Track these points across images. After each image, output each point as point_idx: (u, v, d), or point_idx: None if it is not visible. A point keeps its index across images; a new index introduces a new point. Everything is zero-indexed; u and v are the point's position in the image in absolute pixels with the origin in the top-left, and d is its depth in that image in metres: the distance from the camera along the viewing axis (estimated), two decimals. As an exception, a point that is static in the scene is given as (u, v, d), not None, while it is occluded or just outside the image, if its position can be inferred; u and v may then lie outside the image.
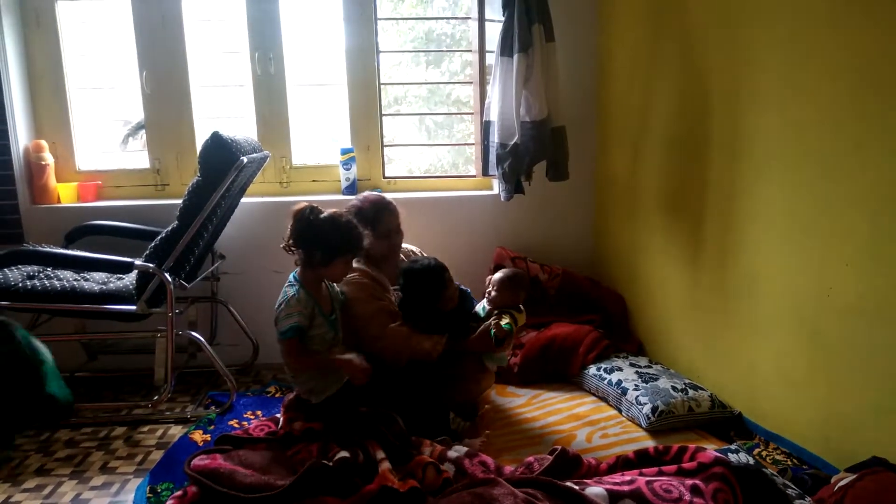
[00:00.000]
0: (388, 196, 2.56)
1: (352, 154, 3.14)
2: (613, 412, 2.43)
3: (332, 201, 2.70)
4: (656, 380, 2.42)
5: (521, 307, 2.46)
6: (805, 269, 1.96)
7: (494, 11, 2.84)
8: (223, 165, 2.37)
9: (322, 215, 2.09)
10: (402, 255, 2.62)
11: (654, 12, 2.70)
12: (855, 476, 1.64)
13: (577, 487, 1.69)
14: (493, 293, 2.43)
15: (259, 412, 2.52)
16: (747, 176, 2.17)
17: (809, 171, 1.92)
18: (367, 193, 2.59)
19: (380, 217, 2.45)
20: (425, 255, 2.60)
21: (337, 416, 2.11)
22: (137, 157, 3.24)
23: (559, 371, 2.72)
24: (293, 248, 2.09)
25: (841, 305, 1.84)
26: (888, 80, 1.66)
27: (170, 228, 2.42)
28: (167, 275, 2.39)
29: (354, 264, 2.42)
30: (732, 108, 2.23)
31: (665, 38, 2.63)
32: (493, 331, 2.29)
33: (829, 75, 1.83)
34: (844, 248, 1.82)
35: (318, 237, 2.06)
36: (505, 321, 2.32)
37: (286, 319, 2.05)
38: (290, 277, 2.15)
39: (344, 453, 1.90)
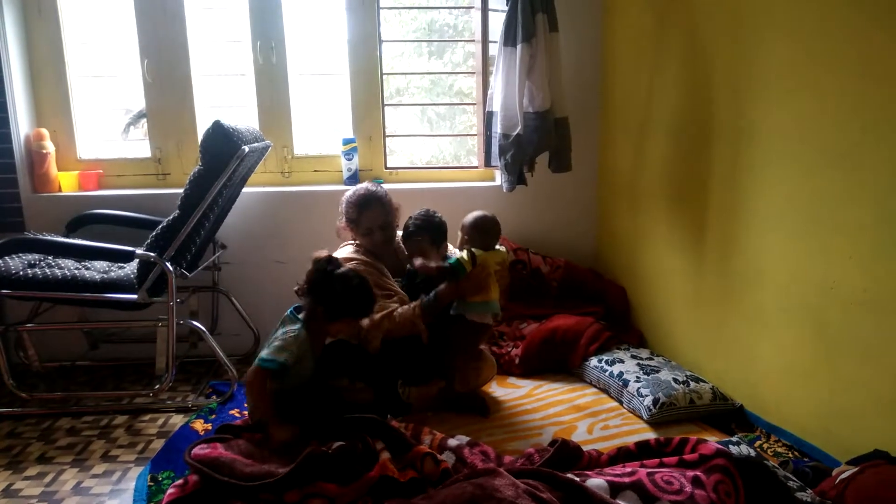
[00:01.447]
0: (390, 187, 2.55)
1: (354, 144, 3.13)
2: (615, 404, 2.43)
3: (333, 191, 2.69)
4: (658, 372, 2.42)
5: (501, 248, 2.40)
6: (809, 262, 1.95)
7: (497, 1, 2.82)
8: (224, 155, 2.36)
9: (337, 272, 2.06)
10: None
11: (658, 3, 2.68)
12: (856, 469, 1.64)
13: (578, 479, 1.69)
14: (463, 238, 2.38)
15: (260, 402, 2.52)
16: (751, 168, 2.16)
17: (814, 163, 1.91)
18: (359, 186, 2.59)
19: (361, 216, 2.48)
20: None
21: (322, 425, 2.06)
22: (138, 145, 3.23)
23: (561, 362, 2.71)
24: (304, 295, 2.07)
25: (844, 298, 1.83)
26: (894, 73, 1.64)
27: (171, 218, 2.41)
28: (168, 264, 2.39)
29: (351, 254, 2.46)
30: (737, 100, 2.21)
31: (669, 28, 2.61)
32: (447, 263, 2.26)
33: (835, 67, 1.82)
34: (848, 240, 1.81)
35: (327, 294, 2.04)
36: (452, 258, 2.28)
37: (276, 352, 1.99)
38: (293, 318, 2.09)
39: (342, 443, 1.90)
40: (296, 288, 2.09)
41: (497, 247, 2.40)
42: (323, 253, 2.10)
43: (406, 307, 2.33)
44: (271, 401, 2.02)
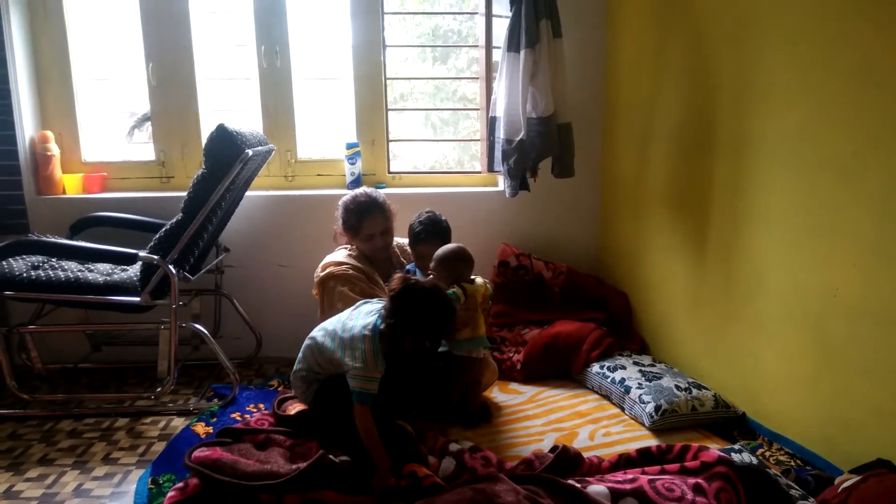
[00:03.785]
0: (393, 191, 2.56)
1: (357, 149, 3.13)
2: (616, 410, 2.42)
3: (336, 196, 2.69)
4: (660, 378, 2.41)
5: (479, 279, 2.38)
6: (811, 270, 1.95)
7: (502, 7, 2.83)
8: (228, 158, 2.36)
9: (425, 301, 1.95)
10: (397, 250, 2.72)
11: (662, 10, 2.69)
12: (859, 478, 1.63)
13: (578, 485, 1.69)
14: (441, 274, 2.33)
15: (262, 405, 2.52)
16: (754, 175, 2.16)
17: (816, 170, 1.91)
18: (357, 191, 2.62)
19: (362, 222, 2.53)
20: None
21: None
22: (143, 148, 3.24)
23: (562, 368, 2.71)
24: (389, 320, 1.93)
25: (846, 306, 1.83)
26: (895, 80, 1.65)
27: (174, 220, 2.42)
28: (171, 267, 2.39)
29: (345, 258, 2.48)
30: (739, 107, 2.21)
31: (673, 36, 2.61)
32: None
33: (837, 75, 1.82)
34: (850, 248, 1.81)
35: (415, 324, 1.92)
36: (454, 289, 2.26)
37: (366, 382, 1.91)
38: (374, 326, 1.96)
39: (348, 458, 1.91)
40: (384, 320, 1.95)
41: (475, 278, 2.39)
42: (398, 279, 1.97)
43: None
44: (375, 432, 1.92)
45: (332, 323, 2.09)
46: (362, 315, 2.04)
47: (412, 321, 1.92)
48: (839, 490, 1.64)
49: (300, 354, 2.16)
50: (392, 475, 1.85)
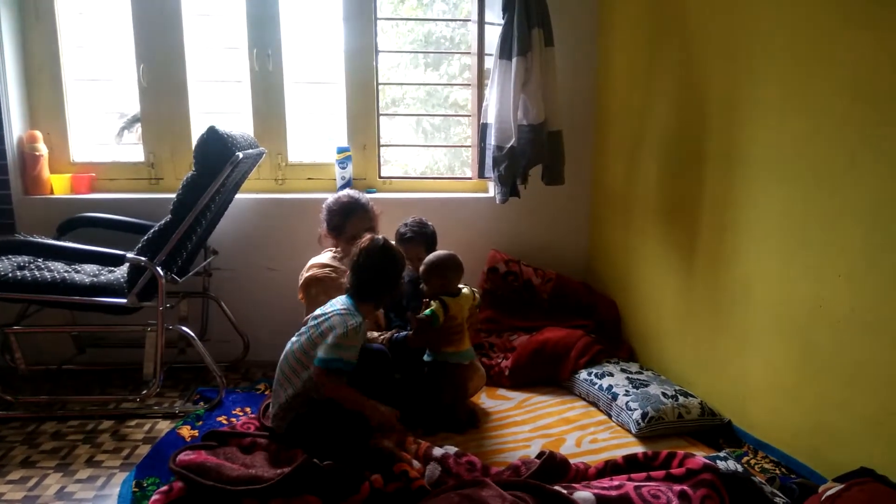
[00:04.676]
0: (384, 196, 2.58)
1: (348, 153, 3.13)
2: (603, 417, 2.43)
3: (326, 199, 2.70)
4: (647, 386, 2.42)
5: (466, 289, 2.39)
6: (798, 280, 1.97)
7: (494, 14, 2.84)
8: (218, 160, 2.36)
9: (388, 248, 2.13)
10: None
11: (654, 20, 2.71)
12: (842, 486, 1.64)
13: (565, 491, 1.69)
14: (429, 282, 2.37)
15: (248, 409, 2.50)
16: (743, 185, 2.18)
17: (804, 181, 1.93)
18: (340, 193, 2.64)
19: (345, 222, 2.54)
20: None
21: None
22: (132, 150, 3.23)
23: (550, 375, 2.71)
24: (363, 287, 2.10)
25: (833, 316, 1.85)
26: (884, 93, 1.67)
27: (163, 222, 2.41)
28: (159, 268, 2.38)
29: (329, 261, 2.48)
30: (730, 118, 2.23)
31: (665, 47, 2.63)
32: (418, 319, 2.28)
33: (827, 87, 1.84)
34: (838, 259, 1.82)
35: (387, 274, 2.10)
36: (427, 310, 2.29)
37: (344, 350, 1.98)
38: (348, 304, 2.09)
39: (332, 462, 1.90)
40: (345, 283, 2.14)
41: (462, 288, 2.39)
42: (367, 237, 2.14)
43: (374, 335, 2.37)
44: (355, 389, 2.01)
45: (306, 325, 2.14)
46: (336, 302, 2.13)
47: (375, 273, 2.06)
48: (822, 498, 1.65)
49: (277, 374, 2.14)
50: (382, 477, 1.84)
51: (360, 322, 2.03)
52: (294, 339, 2.14)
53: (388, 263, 2.11)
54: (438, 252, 2.42)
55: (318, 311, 2.13)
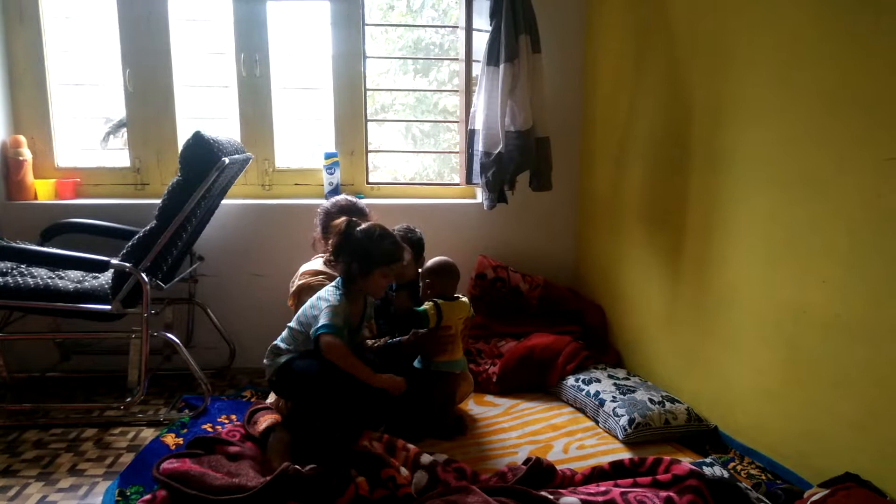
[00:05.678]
0: (372, 202, 2.57)
1: (336, 159, 3.13)
2: (590, 423, 2.43)
3: (314, 205, 2.69)
4: (634, 392, 2.42)
5: (464, 298, 2.42)
6: (783, 285, 1.98)
7: (482, 21, 2.85)
8: (204, 166, 2.34)
9: (359, 228, 2.13)
10: None
11: (640, 27, 2.73)
12: (827, 491, 1.65)
13: (551, 497, 1.69)
14: (426, 283, 2.41)
15: (233, 416, 2.48)
16: (728, 191, 2.19)
17: (790, 186, 1.94)
18: (338, 197, 2.63)
19: None
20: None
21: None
22: (118, 155, 3.21)
23: (538, 381, 2.71)
24: (334, 262, 2.16)
25: (818, 321, 1.86)
26: (870, 98, 1.68)
27: (148, 228, 2.39)
28: (144, 275, 2.36)
29: (321, 267, 2.47)
30: (715, 123, 2.25)
31: (650, 53, 2.65)
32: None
33: (812, 92, 1.86)
34: (823, 264, 1.84)
35: (355, 250, 2.09)
36: (422, 308, 2.31)
37: (332, 317, 2.03)
38: (334, 285, 2.15)
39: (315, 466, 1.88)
40: (324, 258, 2.25)
41: (459, 297, 2.41)
42: (343, 218, 2.16)
43: (368, 341, 2.37)
44: (357, 358, 2.04)
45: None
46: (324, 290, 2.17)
47: (356, 247, 2.09)
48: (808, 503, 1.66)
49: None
50: (368, 481, 1.83)
51: (341, 297, 2.09)
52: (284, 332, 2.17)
53: (362, 236, 2.13)
54: (438, 258, 2.46)
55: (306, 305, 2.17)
